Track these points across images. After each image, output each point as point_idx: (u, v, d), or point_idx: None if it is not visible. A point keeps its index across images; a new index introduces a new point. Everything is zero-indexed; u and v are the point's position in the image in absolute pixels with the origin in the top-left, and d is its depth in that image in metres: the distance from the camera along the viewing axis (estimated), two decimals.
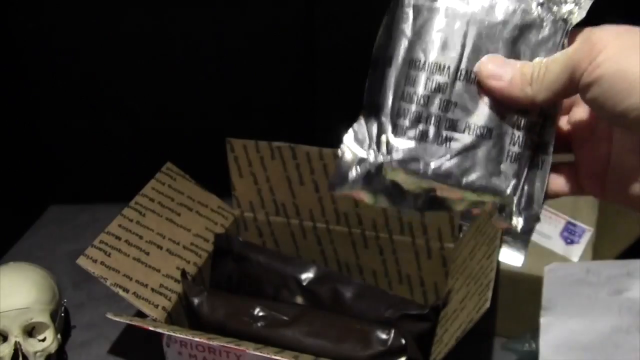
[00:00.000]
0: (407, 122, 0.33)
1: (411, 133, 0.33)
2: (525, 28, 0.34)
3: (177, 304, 0.69)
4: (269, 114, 0.99)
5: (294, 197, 0.78)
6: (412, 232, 0.75)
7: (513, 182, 0.33)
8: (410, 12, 0.34)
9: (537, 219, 0.33)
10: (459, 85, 0.33)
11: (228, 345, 0.59)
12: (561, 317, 0.65)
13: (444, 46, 0.33)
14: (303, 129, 1.00)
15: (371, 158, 0.34)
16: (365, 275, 0.80)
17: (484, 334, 0.76)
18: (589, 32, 0.31)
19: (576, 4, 0.34)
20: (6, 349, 0.70)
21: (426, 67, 0.33)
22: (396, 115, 0.33)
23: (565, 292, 0.65)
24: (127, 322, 0.63)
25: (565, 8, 0.34)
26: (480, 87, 0.33)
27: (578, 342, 0.65)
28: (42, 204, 1.04)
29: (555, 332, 0.65)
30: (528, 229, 0.34)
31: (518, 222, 0.33)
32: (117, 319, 0.62)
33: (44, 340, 0.72)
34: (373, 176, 0.34)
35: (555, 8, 0.34)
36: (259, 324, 0.66)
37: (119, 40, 0.92)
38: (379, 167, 0.34)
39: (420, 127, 0.33)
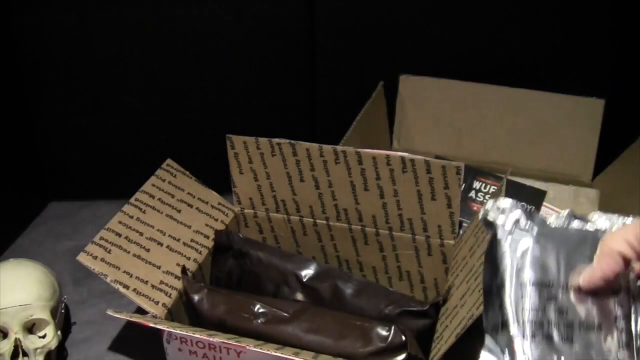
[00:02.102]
0: (531, 329, 0.42)
1: (538, 337, 0.42)
2: (596, 237, 0.45)
3: (178, 300, 0.69)
4: (269, 111, 0.99)
5: (294, 194, 0.78)
6: (412, 228, 0.74)
7: None
8: (507, 247, 0.45)
9: None
10: (565, 293, 0.43)
11: (228, 342, 0.59)
12: None
13: (545, 266, 0.44)
14: (303, 126, 1.00)
15: None
16: (365, 272, 0.80)
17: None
18: None
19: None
20: (6, 346, 0.70)
21: (536, 285, 0.43)
22: (522, 324, 0.43)
23: None
24: (128, 318, 0.63)
25: None
26: (582, 292, 0.43)
27: None
28: (42, 200, 1.04)
29: None
30: None
31: None
32: (117, 315, 0.62)
33: (44, 336, 0.72)
34: None
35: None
36: (259, 321, 0.66)
37: (119, 37, 0.92)
38: None
39: (544, 331, 0.42)
